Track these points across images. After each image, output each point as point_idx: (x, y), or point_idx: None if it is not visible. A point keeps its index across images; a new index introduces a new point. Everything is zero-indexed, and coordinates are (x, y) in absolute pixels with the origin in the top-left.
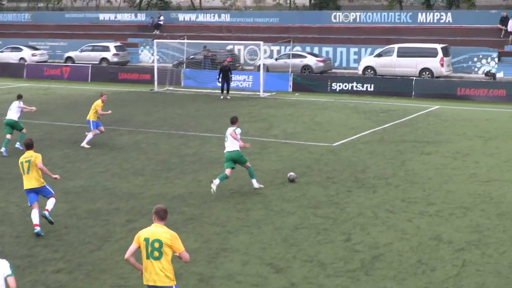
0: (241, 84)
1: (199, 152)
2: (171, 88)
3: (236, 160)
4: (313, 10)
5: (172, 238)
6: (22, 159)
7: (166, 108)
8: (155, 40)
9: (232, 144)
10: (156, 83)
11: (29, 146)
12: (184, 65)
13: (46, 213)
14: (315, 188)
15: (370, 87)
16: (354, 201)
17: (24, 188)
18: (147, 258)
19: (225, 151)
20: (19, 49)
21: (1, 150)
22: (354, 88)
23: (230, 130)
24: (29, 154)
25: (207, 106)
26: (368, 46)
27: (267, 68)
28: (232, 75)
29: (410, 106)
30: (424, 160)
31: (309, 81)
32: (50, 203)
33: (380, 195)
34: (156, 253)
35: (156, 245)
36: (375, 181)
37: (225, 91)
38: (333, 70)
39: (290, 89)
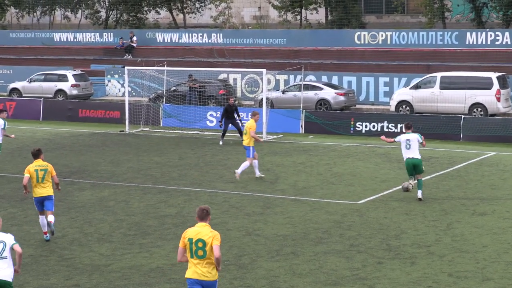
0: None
1: (184, 212)
2: (146, 129)
3: (416, 167)
4: (331, 28)
5: (213, 235)
6: (36, 167)
7: (140, 155)
8: (126, 67)
9: (414, 151)
10: (127, 122)
11: (37, 155)
12: (164, 99)
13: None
14: (335, 259)
15: None
16: (386, 276)
17: (38, 196)
18: (191, 257)
19: (407, 157)
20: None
21: None
22: (385, 129)
23: (412, 136)
24: (43, 163)
25: (194, 152)
26: (402, 75)
27: (272, 104)
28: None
29: (458, 153)
30: (477, 223)
31: (326, 120)
32: (52, 217)
33: (421, 268)
34: (200, 252)
35: (200, 244)
36: (414, 250)
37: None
38: (357, 106)
39: (302, 131)
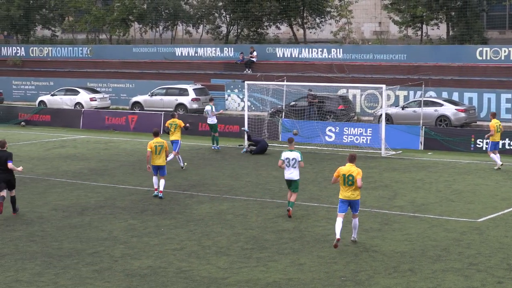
0: (357, 139)
1: (301, 227)
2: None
3: None
4: (452, 44)
5: (359, 171)
6: (155, 143)
7: (259, 169)
8: (246, 82)
9: None
10: (246, 137)
11: (156, 134)
12: (283, 114)
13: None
14: (454, 277)
15: None
16: None
17: (155, 164)
18: (344, 184)
19: None
20: (75, 92)
21: None
22: (507, 147)
23: None
24: (160, 141)
25: (312, 167)
26: None
27: (391, 119)
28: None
29: None
30: None
31: (446, 136)
32: (163, 182)
33: None
34: (350, 182)
35: (350, 177)
36: None
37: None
38: (478, 123)
39: (421, 147)
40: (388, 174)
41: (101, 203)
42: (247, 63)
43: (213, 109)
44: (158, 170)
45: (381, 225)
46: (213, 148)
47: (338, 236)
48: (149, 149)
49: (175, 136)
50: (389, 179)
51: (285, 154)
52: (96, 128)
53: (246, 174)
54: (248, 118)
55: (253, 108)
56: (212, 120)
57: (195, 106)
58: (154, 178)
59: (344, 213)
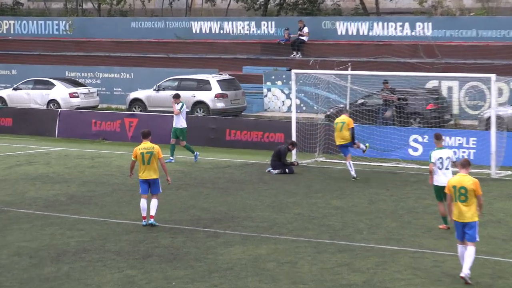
0: (455, 153)
1: (375, 280)
2: (322, 159)
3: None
4: None
5: (475, 182)
6: (142, 149)
7: (312, 196)
8: (294, 71)
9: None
10: (294, 151)
11: (146, 136)
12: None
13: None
14: None
15: None
16: None
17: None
18: (455, 200)
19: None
20: (49, 85)
21: None
22: None
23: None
24: (149, 146)
25: (390, 194)
26: None
27: (505, 125)
28: None
29: None
30: None
31: None
32: (155, 203)
33: None
34: (463, 197)
35: (463, 191)
36: None
37: None
38: None
39: None
40: (502, 204)
41: (85, 245)
42: (294, 44)
43: (183, 107)
44: (149, 186)
45: (492, 278)
46: (171, 161)
47: (464, 273)
48: (133, 158)
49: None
50: (503, 212)
51: (436, 154)
52: (79, 137)
53: (295, 203)
54: (297, 122)
55: (304, 108)
56: (178, 123)
57: (220, 105)
58: (142, 201)
59: (462, 241)
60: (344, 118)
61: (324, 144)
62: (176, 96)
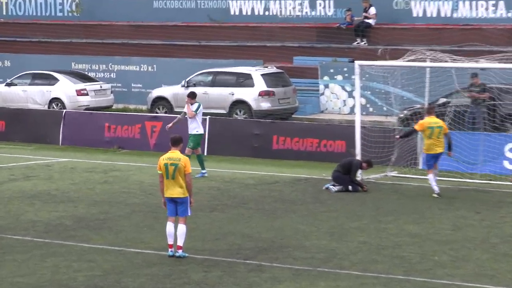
0: None
1: None
2: (394, 174)
3: None
4: None
5: None
6: (166, 160)
7: (381, 220)
8: (358, 63)
9: None
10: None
11: (176, 143)
12: None
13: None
14: None
15: None
16: None
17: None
18: None
19: None
20: (51, 80)
21: None
22: None
23: None
24: (176, 156)
25: (480, 218)
26: None
27: None
28: None
29: None
30: None
31: None
32: (183, 229)
33: None
34: None
35: None
36: None
37: None
38: None
39: None
40: None
41: (96, 280)
42: (358, 29)
43: (197, 107)
44: (176, 207)
45: None
46: (201, 176)
47: None
48: (158, 171)
49: None
50: None
51: None
52: (88, 145)
53: (359, 228)
54: (362, 127)
55: (371, 109)
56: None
57: (265, 105)
58: (169, 225)
59: None
60: (437, 120)
61: (398, 155)
62: (192, 95)
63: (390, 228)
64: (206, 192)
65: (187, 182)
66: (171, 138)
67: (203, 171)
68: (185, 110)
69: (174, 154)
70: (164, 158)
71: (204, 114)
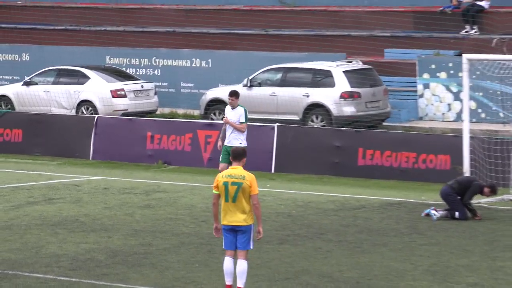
0: None
1: None
2: (511, 198)
3: None
4: None
5: None
6: (226, 178)
7: (498, 256)
8: (466, 56)
9: None
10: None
11: (238, 157)
12: None
13: None
14: None
15: None
16: None
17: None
18: None
19: None
20: (80, 77)
21: None
22: None
23: None
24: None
25: None
26: None
27: None
28: None
29: None
30: None
31: None
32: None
33: None
34: None
35: None
36: None
37: None
38: None
39: None
40: None
41: None
42: (467, 13)
43: (244, 115)
44: (236, 238)
45: None
46: None
47: None
48: (214, 190)
49: None
50: None
51: None
52: (126, 160)
53: (468, 267)
54: (472, 137)
55: (483, 114)
56: (237, 137)
57: (349, 110)
58: (227, 260)
59: None
60: None
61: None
62: (234, 94)
63: (508, 267)
64: (274, 219)
65: (255, 206)
66: (231, 151)
67: None
68: (227, 115)
69: (236, 170)
70: (224, 175)
71: (272, 121)
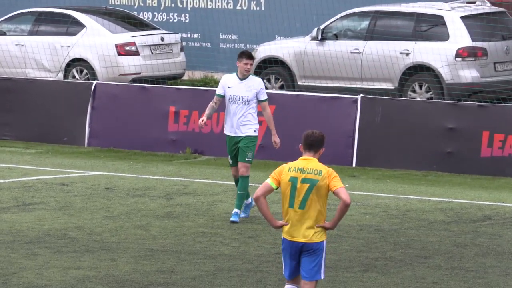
0: None
1: None
2: None
3: None
4: None
5: None
6: (295, 173)
7: None
8: None
9: None
10: None
11: (312, 145)
12: None
13: None
14: None
15: None
16: None
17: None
18: None
19: None
20: (70, 26)
21: None
22: None
23: None
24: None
25: None
26: None
27: None
28: None
29: None
30: None
31: None
32: None
33: None
34: None
35: None
36: None
37: None
38: None
39: None
40: None
41: None
42: None
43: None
44: (299, 261)
45: None
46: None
47: None
48: (272, 183)
49: None
50: None
51: None
52: (137, 147)
53: None
54: None
55: None
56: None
57: (469, 75)
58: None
59: None
60: None
61: None
62: (250, 57)
63: None
64: (356, 235)
65: (340, 210)
66: (304, 136)
67: (249, 201)
68: (232, 90)
69: (309, 162)
70: (292, 168)
71: (353, 91)
